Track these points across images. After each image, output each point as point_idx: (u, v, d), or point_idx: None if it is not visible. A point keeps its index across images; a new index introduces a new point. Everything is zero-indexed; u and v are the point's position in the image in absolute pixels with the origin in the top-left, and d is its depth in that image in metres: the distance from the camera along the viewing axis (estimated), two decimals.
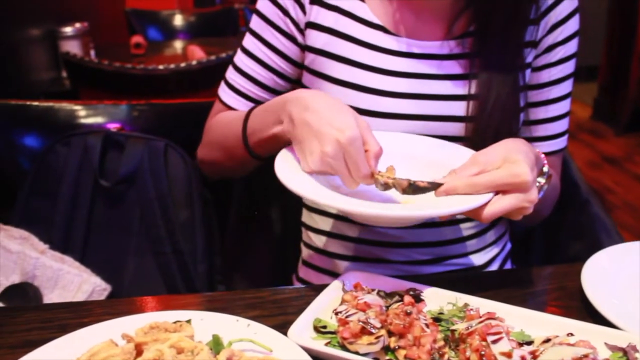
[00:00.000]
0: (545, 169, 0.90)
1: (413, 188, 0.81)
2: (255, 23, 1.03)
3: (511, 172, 0.79)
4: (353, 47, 0.97)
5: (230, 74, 1.06)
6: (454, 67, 0.97)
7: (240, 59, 1.05)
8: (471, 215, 0.81)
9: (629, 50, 4.24)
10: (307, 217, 1.11)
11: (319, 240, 1.08)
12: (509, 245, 1.14)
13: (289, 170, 0.83)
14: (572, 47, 1.01)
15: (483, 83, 0.96)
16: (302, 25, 1.00)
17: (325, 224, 1.07)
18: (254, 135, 0.94)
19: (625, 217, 3.18)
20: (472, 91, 0.97)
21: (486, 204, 0.79)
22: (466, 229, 1.05)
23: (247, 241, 1.26)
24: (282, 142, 0.89)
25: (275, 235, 1.26)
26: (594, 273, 0.85)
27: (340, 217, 1.04)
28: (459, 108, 0.96)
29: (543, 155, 0.92)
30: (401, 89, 0.96)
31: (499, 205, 0.79)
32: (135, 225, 1.19)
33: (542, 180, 0.90)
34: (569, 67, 1.03)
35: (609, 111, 4.44)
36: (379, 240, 1.03)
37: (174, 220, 1.19)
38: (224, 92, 1.07)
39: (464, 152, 0.91)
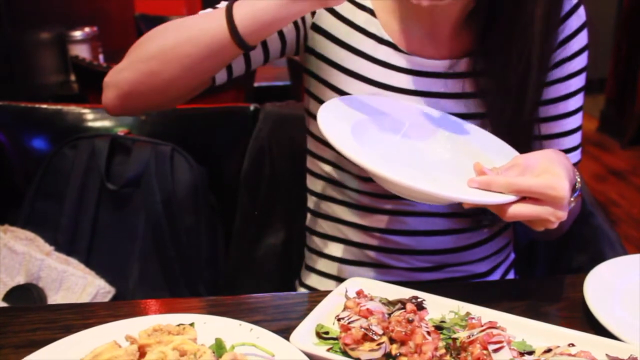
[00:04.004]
0: (578, 185, 0.88)
1: None
2: None
3: (550, 184, 0.78)
4: (363, 62, 0.98)
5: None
6: (461, 85, 0.97)
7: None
8: (495, 210, 0.81)
9: (636, 63, 4.24)
10: (311, 221, 1.11)
11: (322, 245, 1.09)
12: (512, 256, 1.15)
13: (332, 124, 0.83)
14: (581, 61, 1.01)
15: (491, 101, 0.96)
16: (308, 24, 0.99)
17: (330, 228, 1.07)
18: (253, 16, 0.85)
19: (629, 230, 3.17)
20: (480, 110, 0.97)
21: (512, 202, 0.79)
22: (468, 237, 1.05)
23: (251, 246, 1.27)
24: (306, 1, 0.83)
25: (279, 240, 1.26)
26: (597, 285, 0.85)
27: (343, 221, 1.05)
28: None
29: (578, 176, 0.89)
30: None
31: (527, 209, 0.79)
32: (140, 229, 1.20)
33: (571, 198, 0.89)
34: (579, 82, 1.02)
35: (616, 124, 4.43)
36: (382, 246, 1.03)
37: (179, 224, 1.19)
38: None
39: (506, 150, 0.91)
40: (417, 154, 0.92)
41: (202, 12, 0.95)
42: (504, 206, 0.79)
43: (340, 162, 1.02)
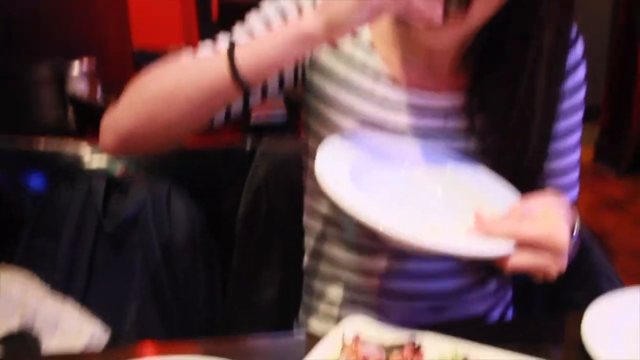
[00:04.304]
0: (575, 231, 0.86)
1: None
2: (255, 22, 0.98)
3: (551, 232, 0.78)
4: (361, 100, 0.97)
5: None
6: (461, 121, 0.97)
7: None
8: (496, 262, 0.80)
9: (630, 92, 4.27)
10: (309, 261, 1.11)
11: (320, 286, 1.08)
12: (510, 294, 1.14)
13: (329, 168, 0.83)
14: (578, 97, 1.01)
15: (490, 139, 0.96)
16: (306, 61, 0.99)
17: (328, 269, 1.06)
18: (256, 59, 0.84)
19: (627, 261, 3.16)
20: (480, 146, 0.97)
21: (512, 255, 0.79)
22: (467, 279, 1.04)
23: (249, 285, 1.26)
24: (309, 42, 0.83)
25: (277, 279, 1.26)
26: (595, 322, 0.85)
27: (341, 263, 1.04)
28: None
29: (577, 220, 0.88)
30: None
31: (528, 260, 0.78)
32: (137, 268, 1.20)
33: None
34: (576, 118, 1.02)
35: (611, 153, 4.45)
36: (379, 290, 1.02)
37: (176, 264, 1.19)
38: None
39: (505, 192, 0.91)
40: (417, 196, 0.91)
41: (201, 53, 0.95)
42: (505, 258, 0.79)
43: None
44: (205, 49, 0.96)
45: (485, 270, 1.05)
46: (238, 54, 0.84)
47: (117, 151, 0.95)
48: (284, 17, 0.97)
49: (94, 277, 1.20)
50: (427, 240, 0.77)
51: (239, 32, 0.98)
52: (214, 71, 0.85)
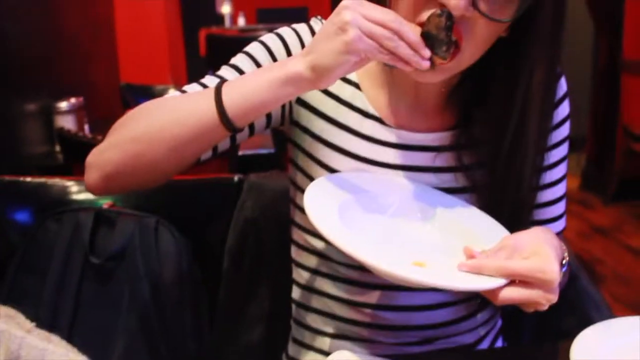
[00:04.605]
0: (565, 261, 0.87)
1: None
2: (243, 61, 0.98)
3: (540, 267, 0.79)
4: (349, 137, 0.98)
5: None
6: (449, 159, 0.98)
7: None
8: (486, 295, 0.81)
9: (613, 122, 4.33)
10: (297, 293, 1.10)
11: (309, 318, 1.07)
12: (499, 323, 1.14)
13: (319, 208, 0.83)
14: (564, 131, 1.02)
15: (478, 176, 0.97)
16: (294, 98, 0.99)
17: (316, 302, 1.06)
18: (242, 99, 0.84)
19: (616, 287, 3.17)
20: (468, 184, 0.98)
21: (503, 287, 0.79)
22: (458, 310, 1.04)
23: (236, 317, 1.25)
24: (296, 85, 0.83)
25: (265, 311, 1.25)
26: (583, 351, 0.85)
27: (331, 296, 1.04)
28: None
29: (566, 251, 0.89)
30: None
31: (518, 293, 0.79)
32: (124, 303, 1.19)
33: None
34: (562, 151, 1.03)
35: (597, 182, 4.49)
36: (369, 322, 1.02)
37: (163, 297, 1.18)
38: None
39: (494, 228, 0.91)
40: (406, 235, 0.92)
41: (189, 90, 0.95)
42: (495, 291, 0.79)
43: None
44: (192, 89, 0.96)
45: (475, 301, 1.05)
46: (225, 92, 0.84)
47: (102, 189, 0.93)
48: (271, 56, 0.98)
49: (80, 312, 1.19)
50: (422, 274, 0.78)
51: (226, 72, 0.98)
52: (201, 110, 0.85)
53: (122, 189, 0.99)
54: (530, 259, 0.80)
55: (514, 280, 0.80)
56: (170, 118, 0.87)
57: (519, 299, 0.79)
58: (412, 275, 0.77)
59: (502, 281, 0.79)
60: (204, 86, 0.96)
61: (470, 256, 0.83)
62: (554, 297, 0.80)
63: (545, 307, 0.81)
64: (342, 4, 0.79)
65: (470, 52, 0.86)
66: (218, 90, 0.85)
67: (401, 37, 0.78)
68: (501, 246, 0.83)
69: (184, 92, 0.96)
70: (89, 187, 0.93)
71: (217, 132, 0.85)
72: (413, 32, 0.79)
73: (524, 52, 0.90)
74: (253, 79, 0.85)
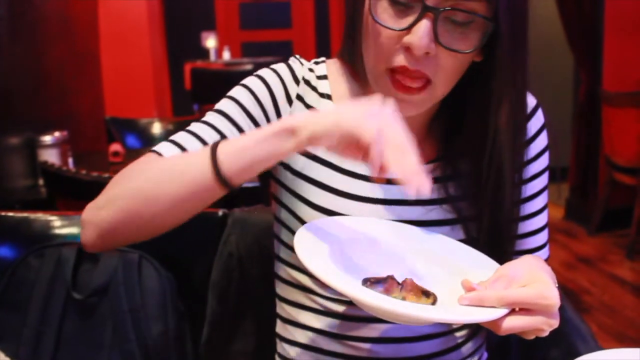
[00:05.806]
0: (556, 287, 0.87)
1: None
2: (228, 106, 0.99)
3: (541, 294, 0.79)
4: (330, 172, 0.98)
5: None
6: (429, 191, 0.98)
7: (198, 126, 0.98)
8: (488, 326, 0.81)
9: (596, 152, 4.39)
10: (281, 328, 1.09)
11: (293, 353, 1.06)
12: (485, 355, 1.14)
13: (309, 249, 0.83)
14: (544, 162, 1.04)
15: (460, 208, 0.97)
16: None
17: (301, 336, 1.05)
18: (238, 158, 0.83)
19: (602, 317, 3.17)
20: (451, 216, 0.98)
21: (505, 316, 0.79)
22: (445, 342, 1.03)
23: (221, 352, 1.24)
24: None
25: (250, 346, 1.24)
26: None
27: (316, 331, 1.03)
28: (440, 232, 0.97)
29: (554, 276, 0.90)
30: (379, 216, 0.97)
31: (521, 321, 0.79)
32: (107, 339, 1.17)
33: None
34: (542, 181, 1.04)
35: (581, 211, 4.52)
36: (356, 356, 1.01)
37: (146, 333, 1.17)
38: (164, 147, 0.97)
39: (483, 260, 0.91)
40: (398, 269, 0.90)
41: (178, 140, 0.95)
42: (497, 321, 0.79)
43: None
44: (181, 138, 0.96)
45: (462, 332, 1.04)
46: (220, 150, 0.83)
47: (98, 247, 0.92)
48: (254, 98, 0.99)
49: (61, 350, 1.17)
50: (431, 311, 0.78)
51: (212, 117, 0.98)
52: (196, 169, 0.84)
53: (119, 244, 0.97)
54: (529, 286, 0.80)
55: (514, 309, 0.80)
56: (166, 176, 0.86)
57: (521, 326, 0.79)
58: (420, 313, 0.76)
59: (504, 311, 0.79)
60: (193, 134, 0.96)
61: (470, 289, 0.82)
62: (555, 322, 0.80)
63: (547, 333, 0.81)
64: (378, 106, 0.79)
65: (441, 83, 0.89)
66: (214, 148, 0.83)
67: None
68: (498, 276, 0.83)
69: (173, 142, 0.96)
70: (85, 244, 0.92)
71: (212, 190, 0.84)
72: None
73: (488, 93, 0.92)
74: (247, 135, 0.85)
